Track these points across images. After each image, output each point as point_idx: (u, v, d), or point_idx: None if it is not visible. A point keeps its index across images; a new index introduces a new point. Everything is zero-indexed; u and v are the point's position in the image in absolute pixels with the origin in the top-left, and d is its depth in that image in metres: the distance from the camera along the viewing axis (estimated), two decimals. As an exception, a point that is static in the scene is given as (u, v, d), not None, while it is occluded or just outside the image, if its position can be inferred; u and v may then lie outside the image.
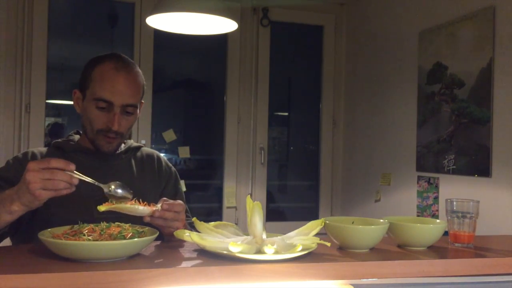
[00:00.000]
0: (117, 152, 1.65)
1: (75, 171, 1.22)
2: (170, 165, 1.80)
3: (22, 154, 1.62)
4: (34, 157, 1.59)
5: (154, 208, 1.31)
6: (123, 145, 1.70)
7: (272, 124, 3.99)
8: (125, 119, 1.56)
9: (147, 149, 1.78)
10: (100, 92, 1.52)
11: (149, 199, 1.64)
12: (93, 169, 1.58)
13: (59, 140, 1.66)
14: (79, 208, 1.49)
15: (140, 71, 1.62)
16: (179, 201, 1.40)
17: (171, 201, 1.38)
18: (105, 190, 1.30)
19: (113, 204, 1.27)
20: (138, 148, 1.74)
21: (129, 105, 1.55)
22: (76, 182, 1.22)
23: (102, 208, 1.25)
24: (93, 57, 1.61)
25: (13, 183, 1.47)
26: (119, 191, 1.31)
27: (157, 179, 1.72)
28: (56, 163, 1.20)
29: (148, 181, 1.68)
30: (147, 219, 1.32)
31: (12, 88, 3.29)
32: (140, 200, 1.33)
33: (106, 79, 1.53)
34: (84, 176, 1.25)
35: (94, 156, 1.61)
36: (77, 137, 1.68)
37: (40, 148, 1.66)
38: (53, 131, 3.58)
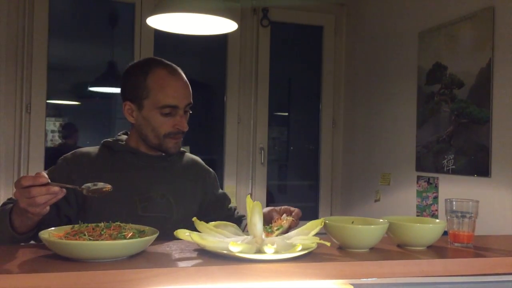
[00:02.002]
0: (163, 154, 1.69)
1: (50, 182, 1.23)
2: (211, 170, 1.85)
3: (71, 153, 1.66)
4: (82, 156, 1.64)
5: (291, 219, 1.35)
6: None
7: (272, 124, 3.99)
8: (186, 118, 1.65)
9: (190, 155, 1.83)
10: (164, 100, 1.58)
11: (187, 203, 1.69)
12: (139, 168, 1.65)
13: (109, 139, 1.70)
14: (124, 205, 1.55)
15: None
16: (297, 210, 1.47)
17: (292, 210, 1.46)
18: (84, 191, 1.31)
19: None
20: (182, 153, 1.79)
21: (188, 104, 1.64)
22: (55, 189, 1.24)
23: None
24: (134, 66, 1.66)
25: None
26: (97, 184, 1.33)
27: (199, 186, 1.76)
28: (25, 181, 1.22)
29: (188, 187, 1.72)
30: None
31: (13, 88, 3.29)
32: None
33: (166, 86, 1.59)
34: (60, 184, 1.26)
35: (139, 157, 1.66)
36: (124, 137, 1.73)
37: (89, 148, 1.69)
38: (66, 131, 3.62)
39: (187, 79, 1.68)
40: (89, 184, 1.32)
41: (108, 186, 1.33)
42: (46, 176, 1.23)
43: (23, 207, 1.25)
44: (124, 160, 1.65)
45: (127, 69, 1.68)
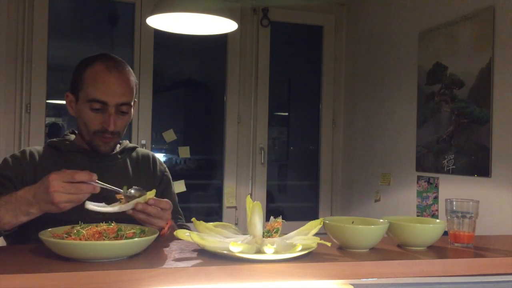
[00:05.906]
0: (113, 152, 1.65)
1: (97, 181, 1.24)
2: (165, 166, 1.79)
3: (20, 152, 1.60)
4: (32, 155, 1.58)
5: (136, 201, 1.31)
6: (118, 145, 1.69)
7: (272, 124, 3.99)
8: (120, 119, 1.56)
9: (142, 150, 1.78)
10: (93, 93, 1.52)
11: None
12: (89, 169, 1.57)
13: (55, 139, 1.65)
14: (76, 209, 1.48)
15: (131, 69, 1.62)
16: (166, 200, 1.39)
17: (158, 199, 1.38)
18: (123, 193, 1.32)
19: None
20: (133, 148, 1.74)
21: (123, 104, 1.55)
22: (98, 190, 1.24)
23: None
24: (83, 59, 1.61)
25: (13, 182, 1.48)
26: (133, 191, 1.33)
27: (152, 180, 1.71)
28: (80, 176, 1.21)
29: (143, 182, 1.67)
30: (130, 212, 1.32)
31: (13, 88, 3.29)
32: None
33: (98, 80, 1.53)
34: (105, 184, 1.27)
35: (90, 156, 1.61)
36: (72, 136, 1.68)
37: (36, 147, 1.65)
38: (51, 132, 3.59)
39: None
40: (131, 190, 1.33)
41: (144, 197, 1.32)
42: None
43: (58, 201, 1.20)
44: (75, 162, 1.58)
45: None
